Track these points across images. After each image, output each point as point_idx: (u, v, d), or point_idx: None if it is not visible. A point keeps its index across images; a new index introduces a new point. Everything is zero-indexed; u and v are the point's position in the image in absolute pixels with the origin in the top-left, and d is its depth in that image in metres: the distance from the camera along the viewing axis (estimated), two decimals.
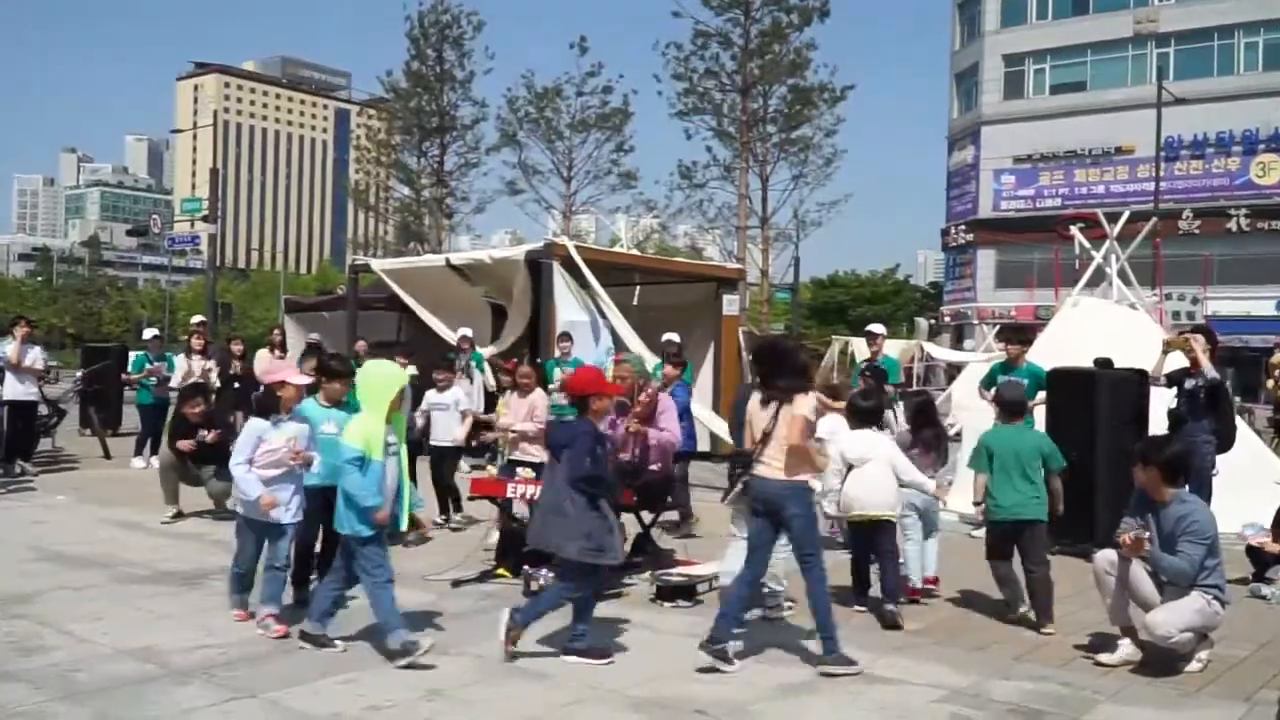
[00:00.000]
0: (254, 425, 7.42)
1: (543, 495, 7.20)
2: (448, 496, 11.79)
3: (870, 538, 8.32)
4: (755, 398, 7.07)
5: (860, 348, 28.77)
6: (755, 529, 6.99)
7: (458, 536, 11.01)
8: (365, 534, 6.74)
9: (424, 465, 11.35)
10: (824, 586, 6.86)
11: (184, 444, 11.56)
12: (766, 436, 6.85)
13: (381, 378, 6.96)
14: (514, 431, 10.23)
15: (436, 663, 6.65)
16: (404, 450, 7.06)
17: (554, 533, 6.81)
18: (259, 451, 7.31)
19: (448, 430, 11.76)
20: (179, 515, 11.73)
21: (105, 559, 9.63)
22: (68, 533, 10.88)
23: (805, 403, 6.87)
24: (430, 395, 12.00)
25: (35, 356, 14.82)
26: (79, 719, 5.66)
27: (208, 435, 11.61)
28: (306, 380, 8.00)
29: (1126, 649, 7.03)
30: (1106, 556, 7.12)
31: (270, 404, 7.50)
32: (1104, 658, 7.04)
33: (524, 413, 10.36)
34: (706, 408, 11.70)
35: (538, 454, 10.25)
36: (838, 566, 8.49)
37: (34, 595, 8.21)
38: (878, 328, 14.38)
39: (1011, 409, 8.57)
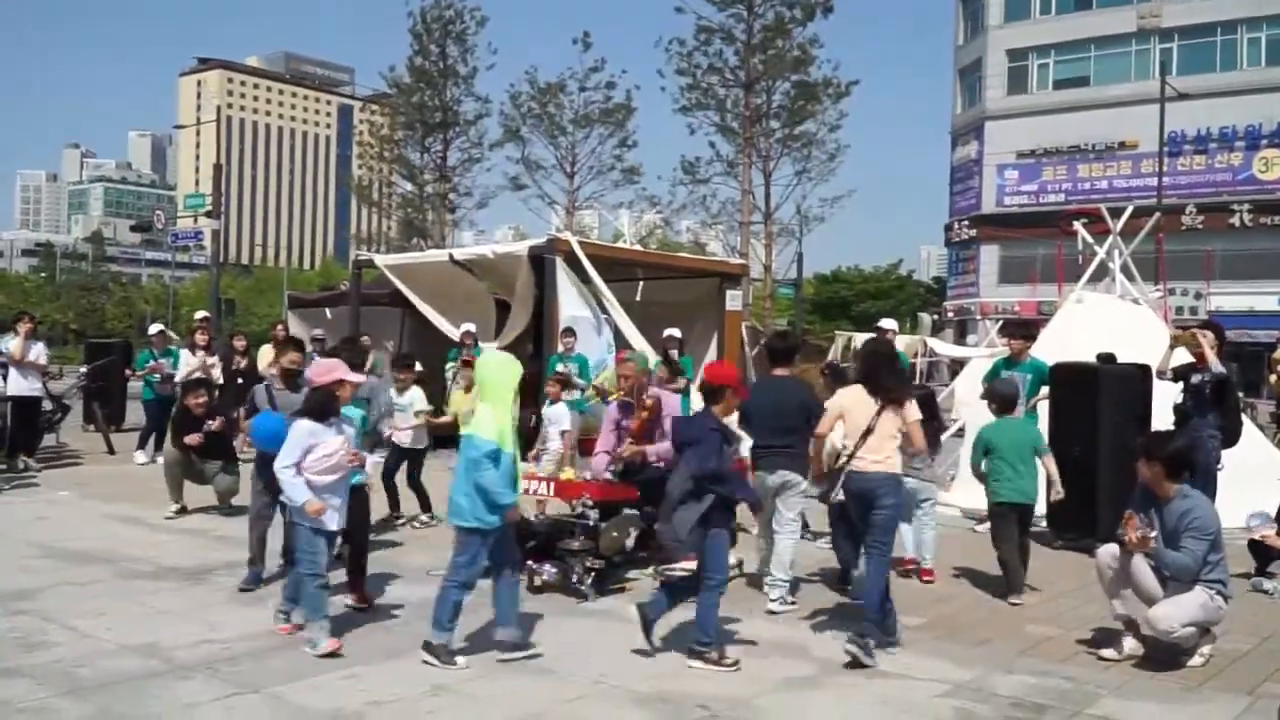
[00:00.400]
0: (305, 427, 6.98)
1: (670, 491, 7.06)
2: (416, 496, 11.56)
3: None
4: (844, 394, 7.58)
5: (860, 343, 28.79)
6: (858, 523, 7.38)
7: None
8: (495, 526, 6.69)
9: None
10: (884, 573, 7.11)
11: (191, 438, 11.58)
12: (869, 432, 7.18)
13: (504, 369, 6.88)
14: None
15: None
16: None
17: (681, 522, 6.85)
18: (313, 456, 6.91)
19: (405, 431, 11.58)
20: (182, 511, 11.74)
21: (108, 554, 9.64)
22: (71, 528, 10.89)
23: (914, 406, 7.39)
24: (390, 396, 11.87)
25: (39, 352, 14.83)
26: (82, 714, 5.67)
27: (213, 424, 11.66)
28: (361, 378, 7.95)
29: (1129, 644, 7.03)
30: (1110, 551, 7.12)
31: (328, 405, 7.08)
32: (1106, 653, 7.04)
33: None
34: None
35: None
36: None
37: (37, 591, 8.22)
38: (888, 323, 14.31)
39: (1004, 404, 9.12)
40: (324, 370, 7.22)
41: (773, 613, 8.06)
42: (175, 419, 12.20)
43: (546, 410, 11.49)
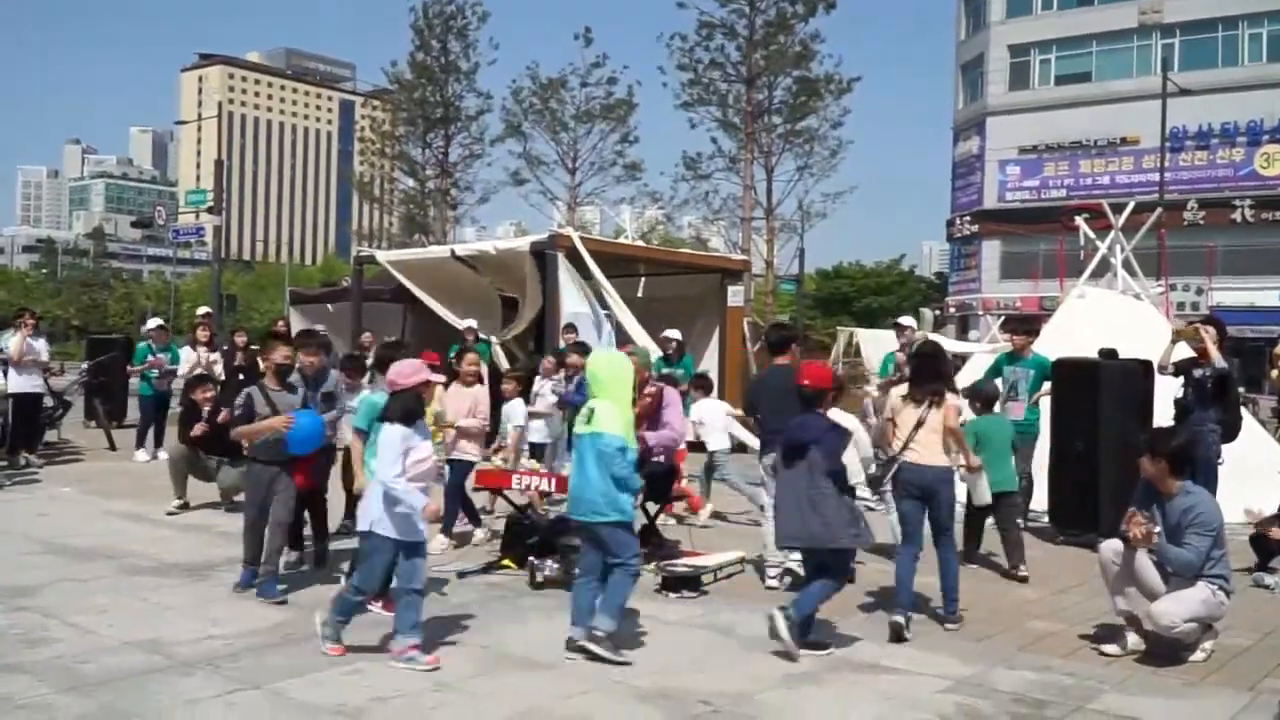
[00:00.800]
0: (399, 433, 6.58)
1: (788, 492, 7.19)
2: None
3: None
4: (896, 393, 7.94)
5: (866, 340, 28.80)
6: (908, 510, 7.70)
7: (459, 531, 11.01)
8: (630, 518, 6.86)
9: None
10: (953, 555, 7.77)
11: (197, 428, 11.57)
12: (920, 425, 7.57)
13: (619, 366, 7.04)
14: (456, 428, 9.90)
15: (442, 654, 6.64)
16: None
17: (818, 527, 6.98)
18: (408, 461, 6.58)
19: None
20: (184, 506, 11.74)
21: (110, 551, 9.64)
22: (72, 524, 10.89)
23: (955, 400, 7.93)
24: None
25: (40, 349, 14.83)
26: (84, 710, 5.67)
27: (220, 415, 11.65)
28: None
29: (1131, 639, 7.03)
30: (1112, 546, 7.12)
31: (416, 408, 6.74)
32: (1109, 648, 7.04)
33: (465, 407, 10.11)
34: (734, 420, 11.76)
35: (475, 452, 10.14)
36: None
37: (39, 587, 8.22)
38: (908, 320, 14.15)
39: (987, 403, 10.06)
40: (410, 371, 6.85)
41: (771, 588, 8.55)
42: (183, 414, 12.20)
43: (504, 407, 11.42)
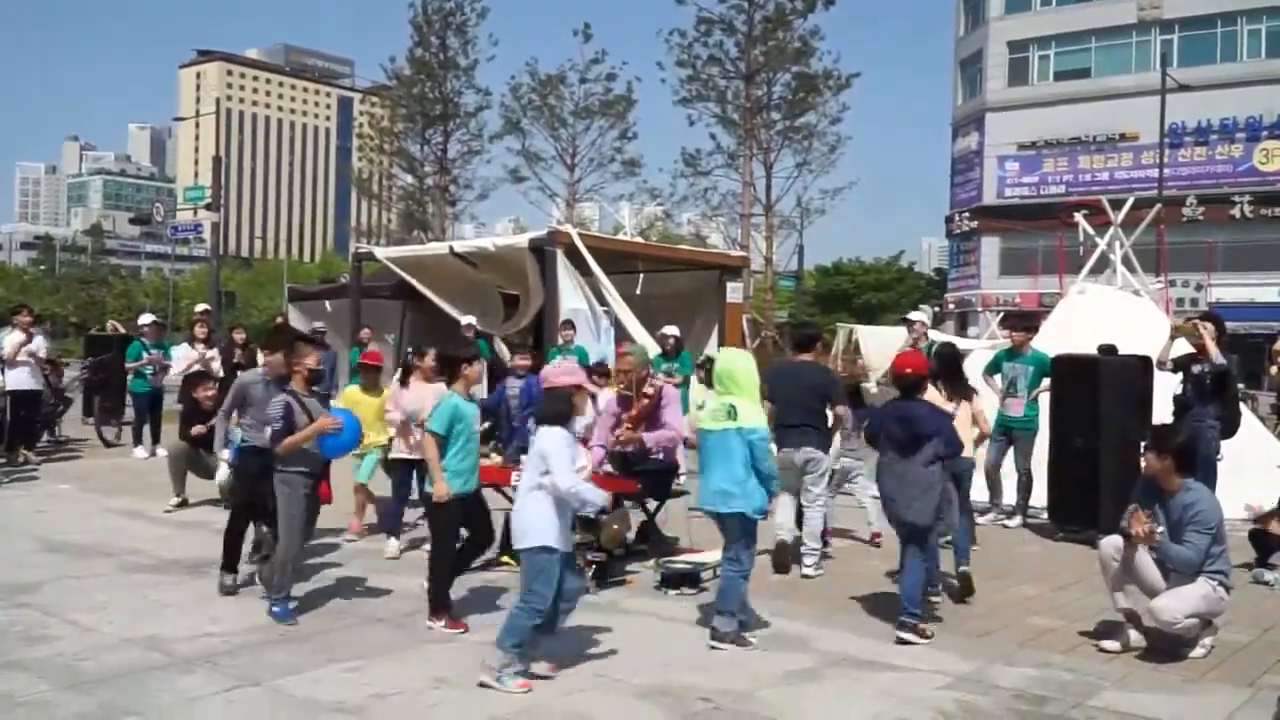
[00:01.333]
0: (564, 436, 6.32)
1: (895, 477, 7.36)
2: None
3: None
4: (935, 392, 8.35)
5: (865, 337, 28.75)
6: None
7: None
8: (760, 515, 7.02)
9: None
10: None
11: (198, 429, 11.56)
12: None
13: (747, 363, 7.26)
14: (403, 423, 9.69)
15: (442, 651, 6.64)
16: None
17: (929, 506, 7.26)
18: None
19: None
20: (183, 504, 11.74)
21: (109, 548, 9.64)
22: (71, 522, 10.89)
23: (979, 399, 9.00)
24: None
25: (38, 345, 14.80)
26: (84, 708, 5.66)
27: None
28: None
29: (1132, 636, 7.03)
30: (1113, 543, 7.11)
31: (572, 409, 6.47)
32: (1109, 645, 7.04)
33: (429, 404, 9.99)
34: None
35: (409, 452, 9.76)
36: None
37: (38, 584, 8.22)
38: (918, 315, 13.97)
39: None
40: (565, 371, 6.71)
41: (808, 576, 8.93)
42: (184, 411, 12.19)
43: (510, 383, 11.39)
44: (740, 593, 7.02)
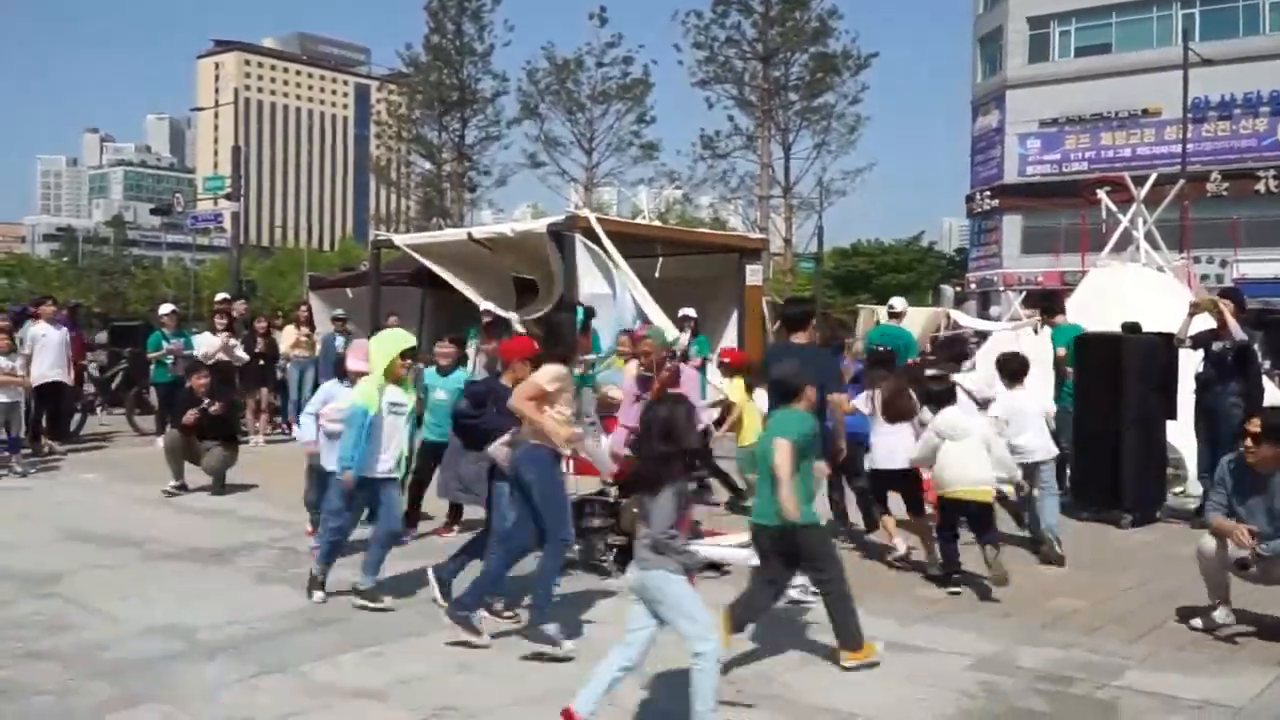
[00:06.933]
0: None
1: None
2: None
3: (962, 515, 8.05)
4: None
5: (886, 318, 28.62)
6: None
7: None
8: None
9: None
10: None
11: (187, 416, 11.74)
12: None
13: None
14: None
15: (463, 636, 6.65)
16: None
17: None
18: None
19: None
20: (182, 488, 11.84)
21: (133, 537, 9.68)
22: (96, 511, 10.95)
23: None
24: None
25: (53, 339, 14.84)
26: (107, 696, 5.69)
27: (212, 406, 11.82)
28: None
29: (1220, 614, 6.96)
30: (1209, 546, 7.00)
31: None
32: (1195, 622, 6.98)
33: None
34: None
35: None
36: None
37: (63, 574, 8.26)
38: (899, 303, 13.56)
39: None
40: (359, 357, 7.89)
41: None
42: (181, 400, 12.35)
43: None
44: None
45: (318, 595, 7.47)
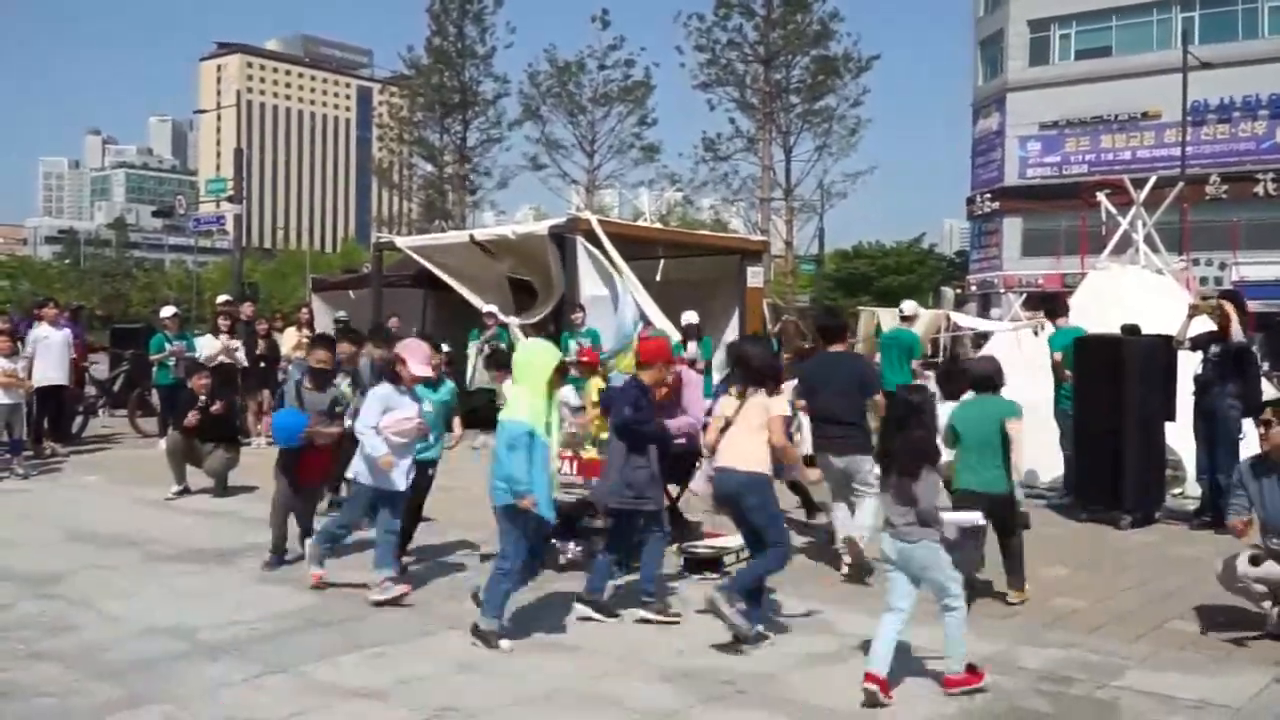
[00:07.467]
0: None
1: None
2: None
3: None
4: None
5: (886, 320, 28.64)
6: None
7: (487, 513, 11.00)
8: None
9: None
10: None
11: (190, 417, 11.76)
12: None
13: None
14: None
15: (465, 637, 6.67)
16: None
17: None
18: None
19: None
20: (184, 491, 11.85)
21: (136, 538, 9.70)
22: (98, 512, 10.97)
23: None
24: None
25: (55, 340, 14.85)
26: (111, 697, 5.71)
27: (212, 406, 11.85)
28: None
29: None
30: (1232, 566, 6.99)
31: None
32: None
33: None
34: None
35: None
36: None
37: (65, 575, 8.28)
38: (909, 306, 13.28)
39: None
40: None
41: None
42: (182, 402, 12.36)
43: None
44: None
45: (506, 644, 6.56)
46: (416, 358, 7.81)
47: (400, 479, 7.62)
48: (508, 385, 7.42)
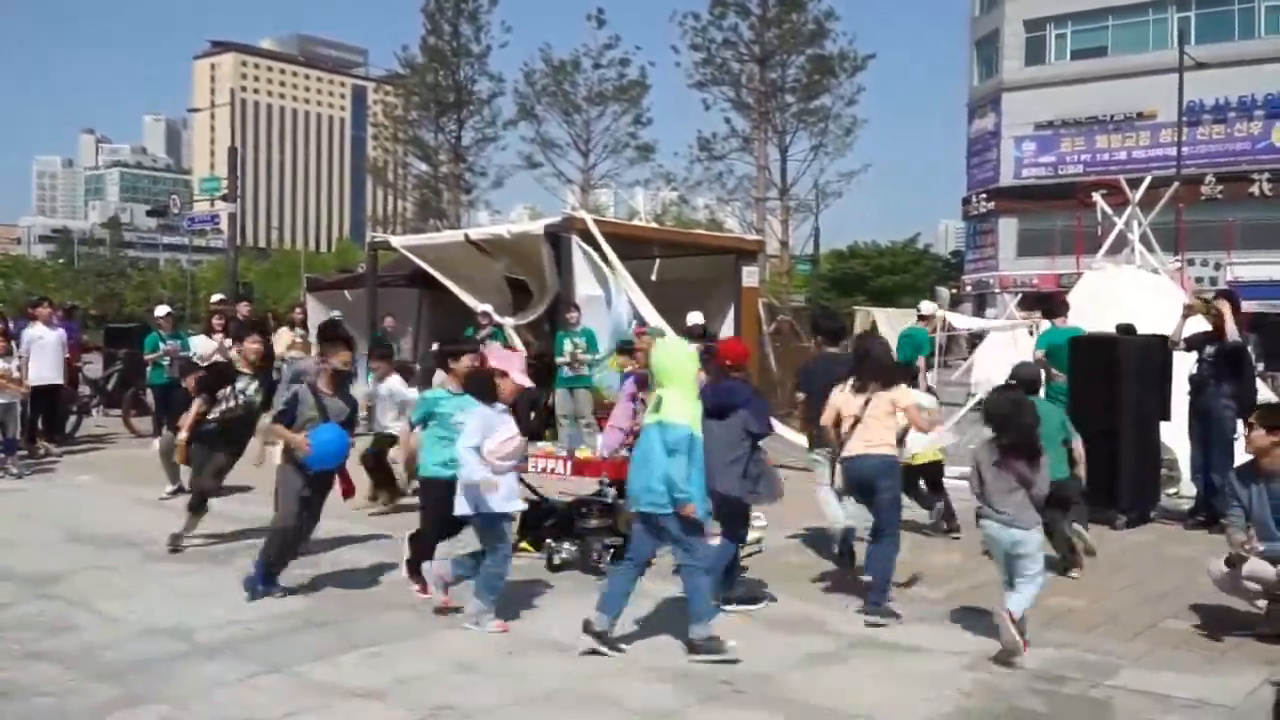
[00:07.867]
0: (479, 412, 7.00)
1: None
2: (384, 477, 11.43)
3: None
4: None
5: (881, 320, 28.72)
6: None
7: None
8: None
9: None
10: None
11: (184, 420, 11.67)
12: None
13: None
14: None
15: (463, 636, 6.68)
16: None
17: (733, 477, 7.36)
18: None
19: (384, 415, 11.50)
20: (179, 491, 11.80)
21: (133, 538, 9.70)
22: (95, 513, 10.97)
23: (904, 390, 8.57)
24: (370, 384, 11.87)
25: (50, 340, 14.83)
26: (109, 697, 5.71)
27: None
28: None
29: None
30: (1219, 569, 7.01)
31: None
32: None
33: None
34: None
35: None
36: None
37: (63, 575, 8.28)
38: (928, 307, 13.27)
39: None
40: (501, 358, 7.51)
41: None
42: (176, 402, 12.28)
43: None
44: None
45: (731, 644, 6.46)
46: (516, 367, 7.27)
47: (504, 500, 6.95)
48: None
